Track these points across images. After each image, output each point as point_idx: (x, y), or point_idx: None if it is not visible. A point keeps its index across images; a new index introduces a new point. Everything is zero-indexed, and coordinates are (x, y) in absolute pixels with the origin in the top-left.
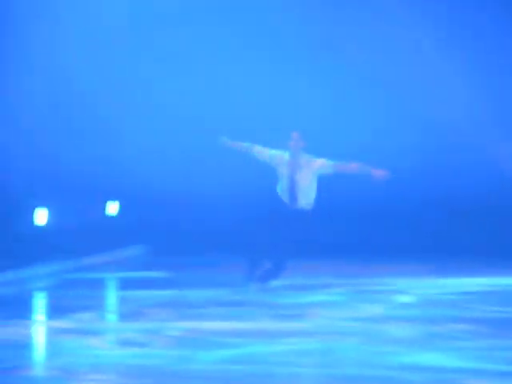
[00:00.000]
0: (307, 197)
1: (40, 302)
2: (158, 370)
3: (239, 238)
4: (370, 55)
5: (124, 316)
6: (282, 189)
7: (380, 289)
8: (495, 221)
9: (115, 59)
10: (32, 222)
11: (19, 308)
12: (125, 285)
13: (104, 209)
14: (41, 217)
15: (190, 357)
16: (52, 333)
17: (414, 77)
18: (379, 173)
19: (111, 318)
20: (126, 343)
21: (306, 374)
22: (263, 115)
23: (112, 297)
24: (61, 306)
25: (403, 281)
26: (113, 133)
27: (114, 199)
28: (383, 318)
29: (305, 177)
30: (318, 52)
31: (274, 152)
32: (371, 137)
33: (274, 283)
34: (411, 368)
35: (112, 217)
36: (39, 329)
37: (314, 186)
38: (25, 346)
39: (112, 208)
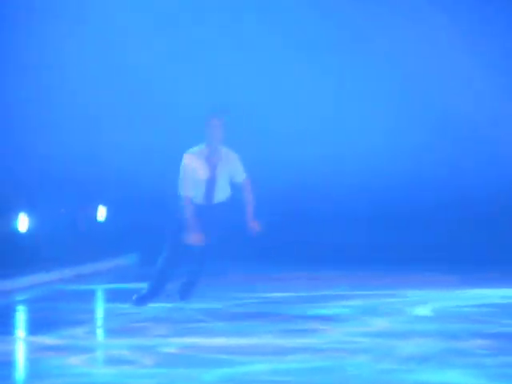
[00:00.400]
0: (223, 195)
1: (23, 316)
2: None
3: (239, 245)
4: (381, 49)
5: (115, 332)
6: (195, 189)
7: (394, 301)
8: None
9: (113, 58)
10: (14, 227)
11: (0, 323)
12: (115, 297)
13: (93, 214)
14: (22, 222)
15: (186, 376)
16: (36, 350)
17: (428, 73)
18: (253, 225)
19: (101, 333)
20: (117, 361)
21: None
22: (267, 114)
23: (101, 310)
24: (46, 320)
25: (419, 292)
26: (100, 132)
27: (101, 203)
28: (397, 333)
29: (223, 173)
30: (328, 45)
31: (190, 160)
32: (384, 135)
33: (275, 295)
34: None
35: (100, 223)
36: (22, 346)
37: (228, 183)
38: (6, 364)
39: (100, 213)
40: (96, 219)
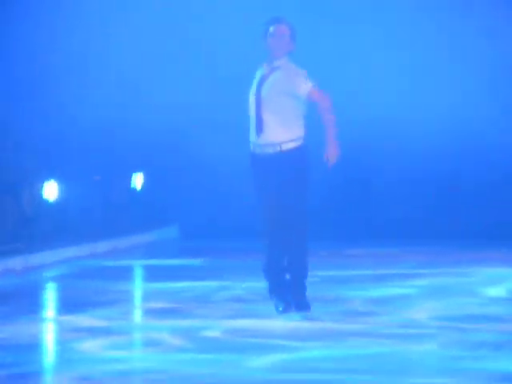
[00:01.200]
0: (284, 127)
1: (53, 294)
2: (195, 378)
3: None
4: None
5: (154, 313)
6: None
7: (465, 280)
8: None
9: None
10: (40, 197)
11: (28, 302)
12: (155, 275)
13: (128, 182)
14: (51, 191)
15: (231, 363)
16: (67, 332)
17: None
18: (332, 152)
19: (139, 315)
20: (155, 345)
21: (364, 381)
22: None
23: (139, 289)
24: (77, 299)
25: (491, 271)
26: (137, 93)
27: (138, 170)
28: (468, 317)
29: (276, 91)
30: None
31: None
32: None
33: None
34: (499, 377)
35: (137, 192)
36: (52, 327)
37: (299, 111)
38: (35, 348)
39: (137, 181)
40: (132, 188)
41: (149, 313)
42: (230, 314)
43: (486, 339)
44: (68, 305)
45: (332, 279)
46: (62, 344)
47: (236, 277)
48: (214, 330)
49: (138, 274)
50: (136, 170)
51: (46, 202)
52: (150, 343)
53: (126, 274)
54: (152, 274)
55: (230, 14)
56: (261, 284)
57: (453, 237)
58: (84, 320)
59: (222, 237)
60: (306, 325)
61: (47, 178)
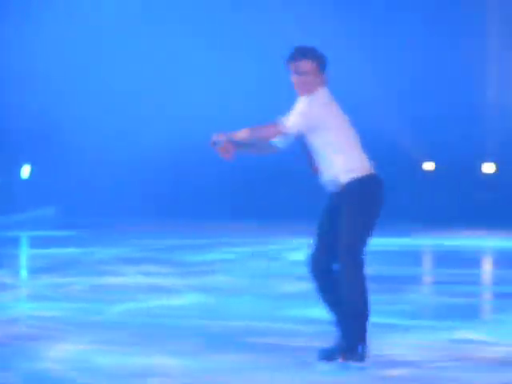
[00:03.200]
0: (326, 165)
1: None
2: (65, 321)
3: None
4: None
5: (35, 272)
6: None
7: (274, 248)
8: None
9: None
10: None
11: None
12: (36, 243)
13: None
14: None
15: (94, 309)
16: None
17: None
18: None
19: (23, 274)
20: (36, 297)
21: (197, 326)
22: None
23: (23, 254)
24: None
25: (296, 240)
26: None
27: (26, 162)
28: (276, 275)
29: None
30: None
31: None
32: None
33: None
34: (301, 320)
35: (25, 180)
36: None
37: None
38: None
39: (25, 171)
40: (23, 177)
41: (29, 272)
42: (93, 273)
43: (292, 291)
44: None
45: (166, 247)
46: None
47: (98, 244)
48: (80, 285)
49: (22, 242)
50: (24, 161)
51: None
52: (30, 295)
53: (12, 242)
54: (33, 242)
55: None
56: (118, 250)
57: (264, 212)
58: None
59: (92, 214)
60: (150, 281)
61: None
